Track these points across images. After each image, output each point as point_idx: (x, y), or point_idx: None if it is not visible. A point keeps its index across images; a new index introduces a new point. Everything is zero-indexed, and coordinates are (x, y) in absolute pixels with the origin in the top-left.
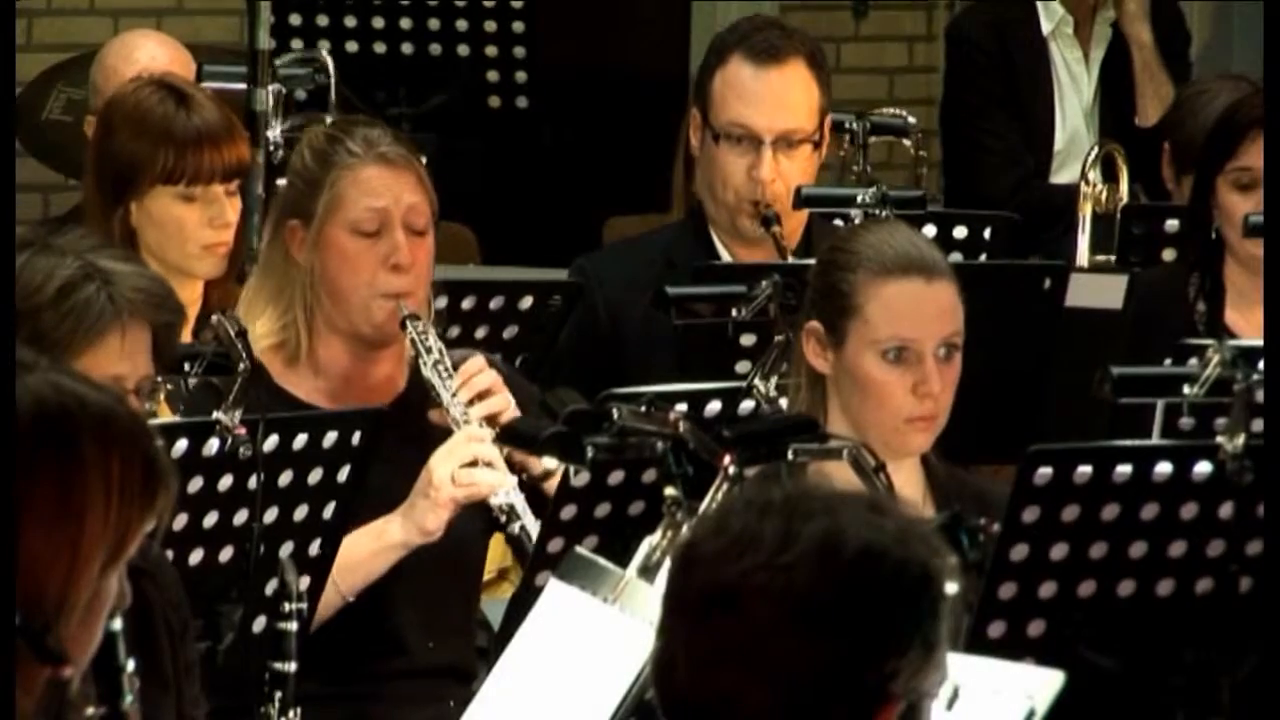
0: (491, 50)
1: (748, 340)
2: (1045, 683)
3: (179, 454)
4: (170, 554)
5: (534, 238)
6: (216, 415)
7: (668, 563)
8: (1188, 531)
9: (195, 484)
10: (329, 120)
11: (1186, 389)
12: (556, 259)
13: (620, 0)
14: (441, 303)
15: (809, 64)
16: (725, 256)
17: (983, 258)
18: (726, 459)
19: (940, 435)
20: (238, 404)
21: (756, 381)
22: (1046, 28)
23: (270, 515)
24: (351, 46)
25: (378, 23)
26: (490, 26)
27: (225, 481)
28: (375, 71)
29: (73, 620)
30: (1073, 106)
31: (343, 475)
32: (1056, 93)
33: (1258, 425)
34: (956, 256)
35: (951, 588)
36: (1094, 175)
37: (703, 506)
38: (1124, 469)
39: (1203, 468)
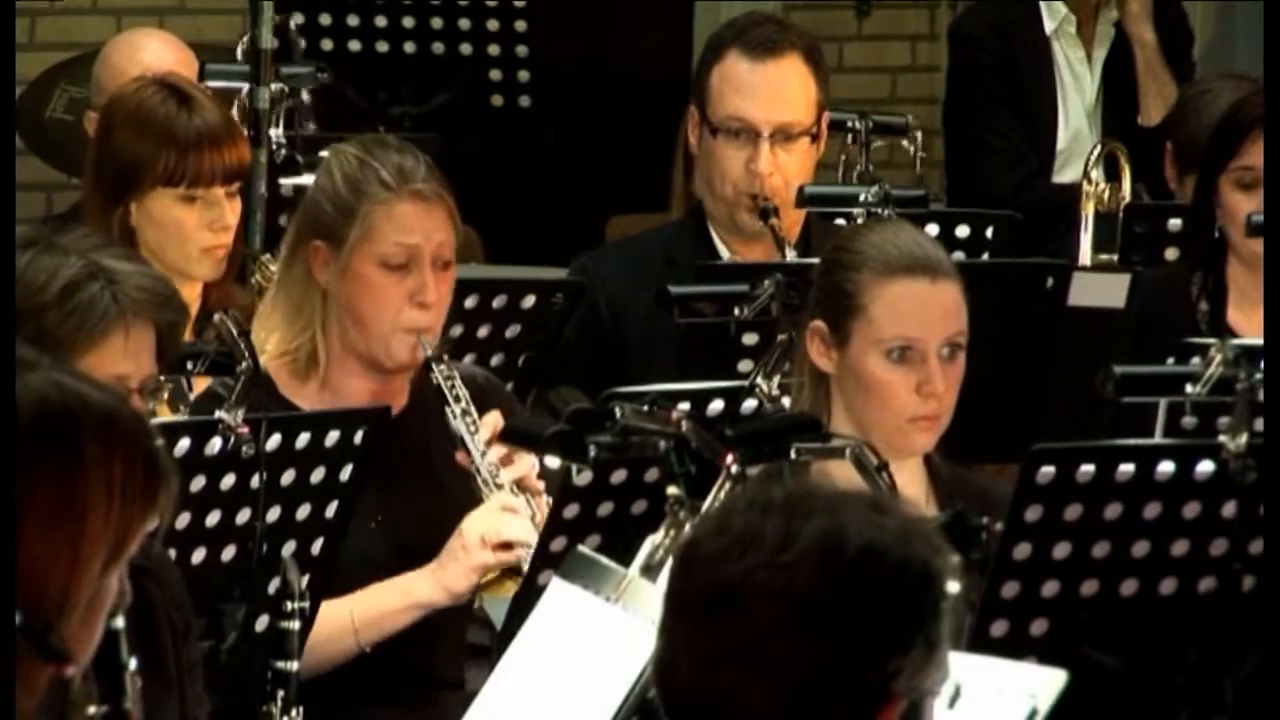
0: (494, 49)
1: (750, 339)
2: (1048, 682)
3: (182, 453)
4: (173, 553)
5: (537, 237)
6: (219, 414)
7: (670, 562)
8: (1190, 530)
9: (198, 483)
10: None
11: (1189, 388)
12: (559, 258)
13: None
14: None
15: (805, 58)
16: (724, 253)
17: (985, 257)
18: (729, 458)
19: (943, 434)
20: (240, 403)
21: (759, 380)
22: (1049, 27)
23: (273, 514)
24: (354, 45)
25: (380, 21)
26: (493, 25)
27: (228, 480)
28: (378, 70)
29: (74, 619)
30: (1075, 106)
31: (345, 474)
32: (1059, 92)
33: (1260, 424)
34: (959, 255)
35: (953, 586)
36: (1097, 174)
37: (705, 505)
38: (1127, 468)
39: (1205, 467)
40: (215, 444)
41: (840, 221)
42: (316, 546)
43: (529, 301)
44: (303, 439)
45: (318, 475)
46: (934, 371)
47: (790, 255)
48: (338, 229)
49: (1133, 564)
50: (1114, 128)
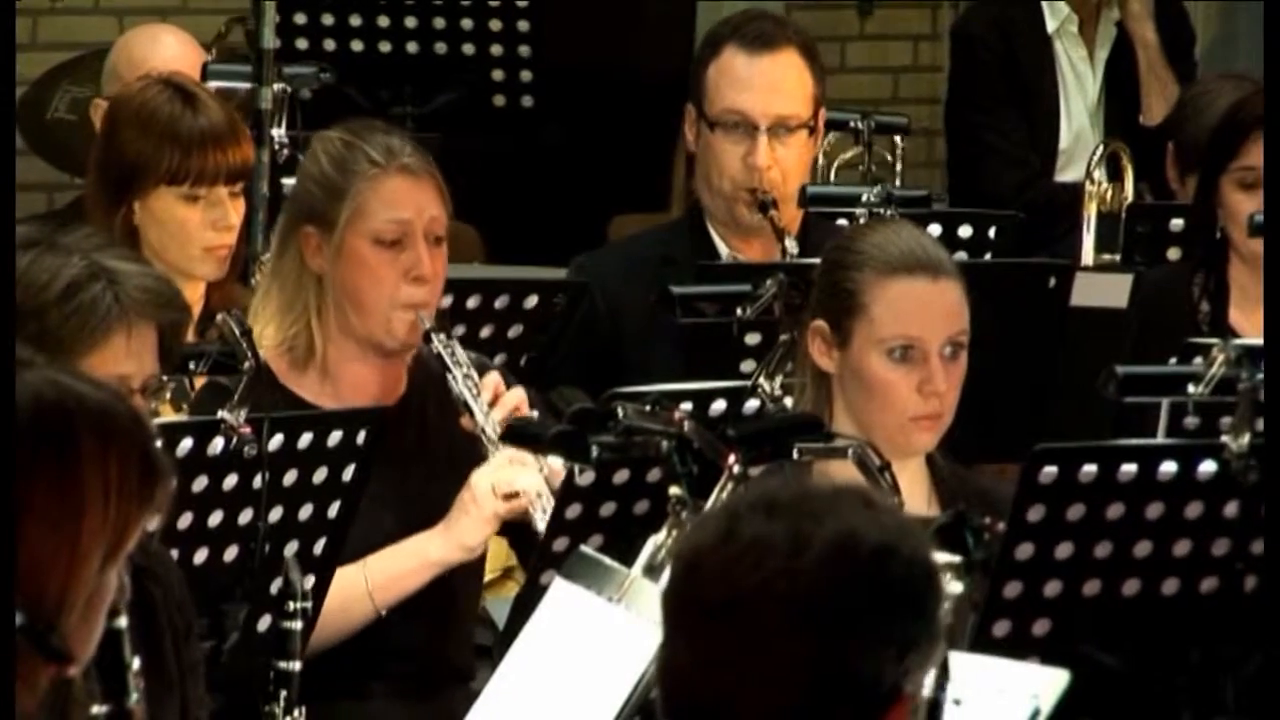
0: (497, 49)
1: (752, 339)
2: (1050, 682)
3: (184, 453)
4: (175, 553)
5: (539, 237)
6: (221, 414)
7: (670, 569)
8: (1193, 530)
9: (200, 483)
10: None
11: (1191, 388)
12: (561, 258)
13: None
14: (447, 301)
15: (802, 52)
16: (723, 251)
17: (988, 257)
18: (731, 458)
19: (945, 434)
20: (243, 403)
21: (761, 380)
22: (1051, 26)
23: (275, 514)
24: (357, 45)
25: (383, 21)
26: (496, 25)
27: (230, 480)
28: (380, 70)
29: (73, 617)
30: (1078, 105)
31: (347, 474)
32: (1061, 92)
33: (1261, 424)
34: (961, 255)
35: (954, 586)
36: (1099, 174)
37: (706, 506)
38: (1129, 468)
39: (1207, 467)
40: (218, 444)
41: (841, 221)
42: (319, 547)
43: (531, 302)
44: (305, 439)
45: (320, 475)
46: (935, 371)
47: (790, 245)
48: (328, 211)
49: (1135, 564)
50: (1116, 127)
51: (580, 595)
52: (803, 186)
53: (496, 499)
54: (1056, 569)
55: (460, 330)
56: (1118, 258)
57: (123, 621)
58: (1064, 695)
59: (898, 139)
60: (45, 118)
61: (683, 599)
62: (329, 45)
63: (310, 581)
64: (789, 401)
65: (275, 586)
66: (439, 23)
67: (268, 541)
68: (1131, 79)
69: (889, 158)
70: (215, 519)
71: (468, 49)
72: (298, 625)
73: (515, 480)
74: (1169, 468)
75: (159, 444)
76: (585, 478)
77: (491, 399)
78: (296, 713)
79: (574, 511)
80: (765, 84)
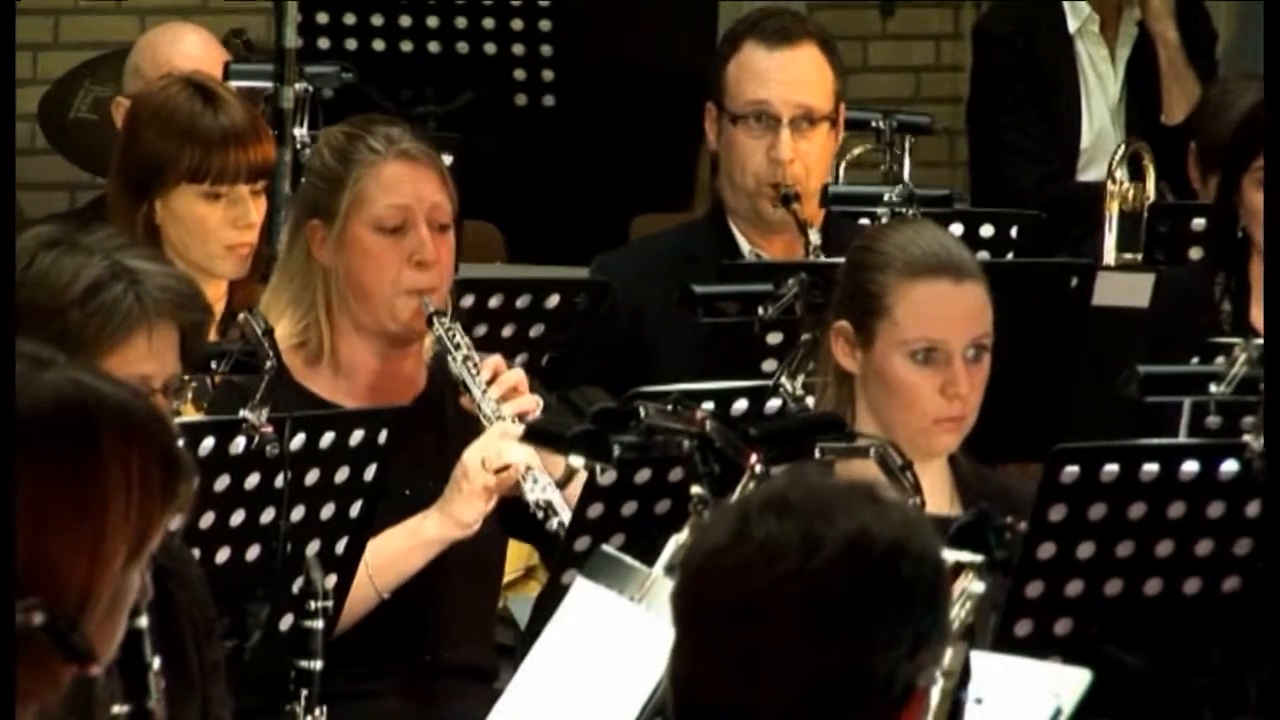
0: (518, 48)
1: (774, 339)
2: (1072, 682)
3: (205, 452)
4: (197, 552)
5: (560, 236)
6: (243, 414)
7: (681, 571)
8: (1214, 530)
9: (222, 482)
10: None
11: (1213, 387)
12: (583, 257)
13: None
14: (468, 301)
15: (821, 47)
16: (745, 247)
17: (1009, 256)
18: (753, 458)
19: (967, 434)
20: (264, 402)
21: (783, 380)
22: (1073, 26)
23: (297, 513)
24: (378, 45)
25: (404, 21)
26: (517, 25)
27: (252, 480)
28: (402, 70)
29: (96, 616)
30: (1099, 105)
31: (369, 473)
32: (1083, 91)
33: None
34: (983, 255)
35: (977, 586)
36: (1120, 173)
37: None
38: (1150, 467)
39: (1229, 466)
40: (239, 443)
41: (863, 221)
42: (340, 546)
43: (553, 301)
44: (327, 438)
45: (342, 475)
46: (958, 373)
47: (814, 238)
48: (330, 202)
49: (1157, 563)
50: (1138, 127)
51: (602, 595)
52: (824, 185)
53: (487, 473)
54: (1078, 568)
55: (482, 330)
56: (1139, 257)
57: (143, 621)
58: (1085, 695)
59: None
60: (67, 117)
61: (694, 602)
62: (351, 44)
63: (332, 581)
64: (811, 401)
65: (297, 586)
66: (461, 22)
67: (289, 541)
68: (1153, 78)
69: (897, 152)
70: (237, 518)
71: (489, 48)
72: (319, 624)
73: (504, 453)
74: (1191, 467)
75: (181, 443)
76: (607, 477)
77: (490, 378)
78: (318, 712)
79: (596, 511)
80: (786, 77)
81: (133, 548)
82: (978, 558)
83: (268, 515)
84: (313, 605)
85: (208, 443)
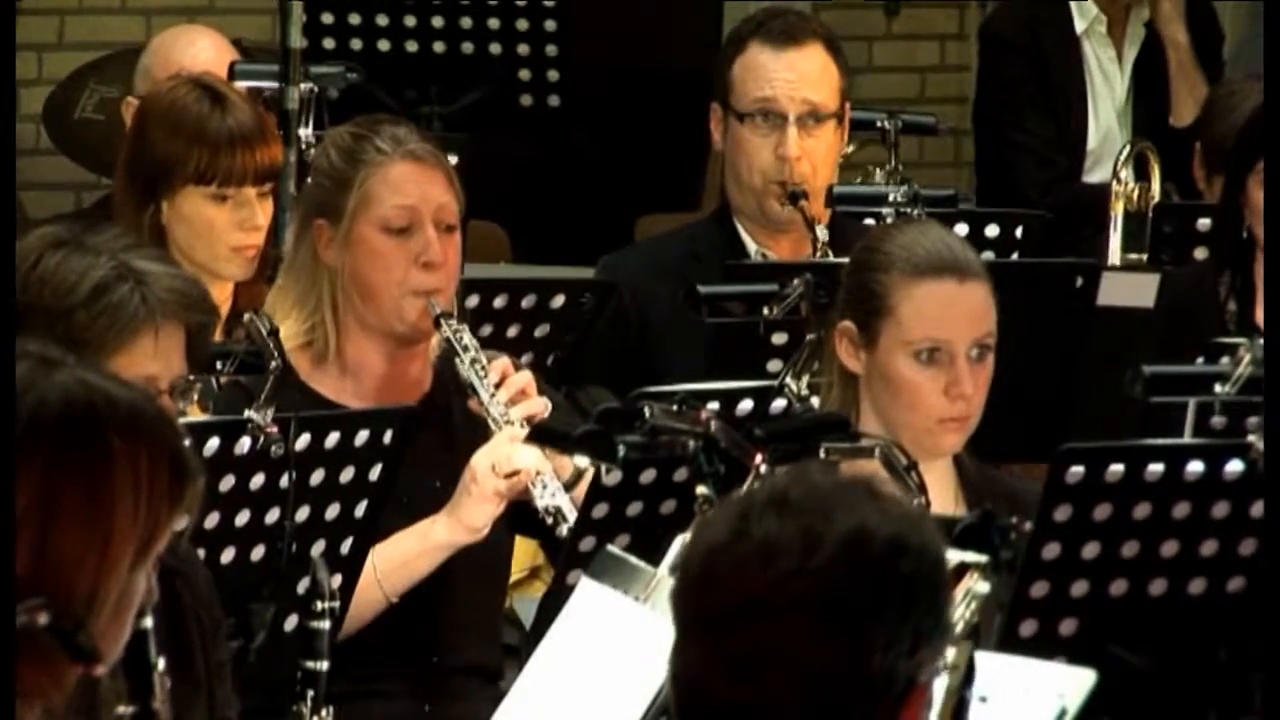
0: (524, 48)
1: (779, 339)
2: (1077, 682)
3: (211, 452)
4: (202, 552)
5: (566, 236)
6: (249, 414)
7: (682, 572)
8: (1220, 530)
9: (227, 482)
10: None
11: (1218, 387)
12: (588, 258)
13: None
14: (473, 301)
15: (826, 46)
16: (751, 247)
17: (1015, 257)
18: (758, 458)
19: (972, 434)
20: (269, 403)
21: (788, 380)
22: (1080, 27)
23: (302, 514)
24: (384, 45)
25: (410, 21)
26: (522, 25)
27: (257, 480)
28: (407, 70)
29: (103, 617)
30: (1106, 106)
31: (375, 474)
32: (1089, 92)
33: None
34: (988, 255)
35: (982, 586)
36: (1126, 174)
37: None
38: (1156, 468)
39: (1234, 466)
40: (244, 443)
41: (869, 221)
42: (346, 546)
43: (558, 301)
44: (332, 438)
45: (347, 475)
46: (962, 373)
47: (821, 234)
48: (336, 202)
49: (1162, 564)
50: (1144, 128)
51: (607, 595)
52: (829, 186)
53: (497, 477)
54: (1083, 569)
55: (487, 330)
56: (1144, 257)
57: (148, 622)
58: (1091, 695)
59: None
60: (72, 117)
61: (695, 601)
62: (356, 45)
63: (337, 581)
64: (816, 401)
65: (302, 586)
66: (466, 22)
67: (295, 541)
68: (1159, 80)
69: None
70: (242, 518)
71: (495, 48)
72: (325, 625)
73: (514, 458)
74: (1196, 467)
75: (188, 444)
76: (612, 477)
77: (498, 381)
78: (324, 712)
79: (601, 511)
80: (792, 75)
81: (140, 549)
82: (983, 558)
83: (273, 516)
84: (318, 606)
85: (213, 443)
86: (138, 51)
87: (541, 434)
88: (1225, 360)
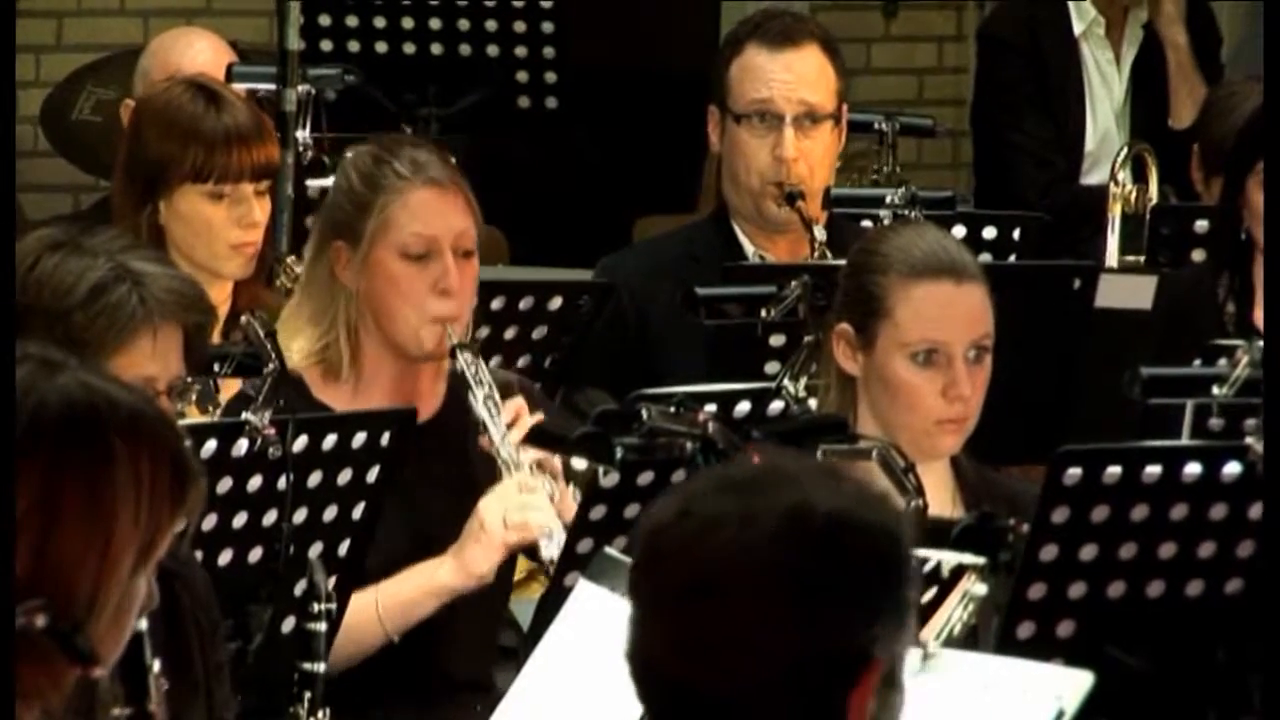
0: (521, 51)
1: (777, 341)
2: (1075, 684)
3: (209, 454)
4: (199, 554)
5: (563, 238)
6: (246, 416)
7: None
8: (1217, 532)
9: (224, 484)
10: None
11: (1216, 389)
12: (586, 259)
13: (650, 0)
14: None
15: (823, 47)
16: (748, 248)
17: (1012, 258)
18: (755, 460)
19: (970, 436)
20: (267, 405)
21: (786, 382)
22: (1078, 28)
23: (299, 516)
24: (381, 47)
25: (407, 23)
26: (520, 27)
27: (254, 482)
28: (405, 72)
29: (103, 620)
30: (1104, 108)
31: (372, 476)
32: (1088, 94)
33: None
34: (986, 257)
35: (981, 589)
36: (1123, 176)
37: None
38: (1153, 469)
39: (1232, 468)
40: (242, 445)
41: (866, 223)
42: (343, 548)
43: (555, 303)
44: (329, 440)
45: (344, 477)
46: (960, 375)
47: (819, 234)
48: (356, 225)
49: (1160, 565)
50: (1142, 129)
51: (604, 596)
52: (826, 188)
53: (506, 530)
54: (1081, 570)
55: (485, 332)
56: (1142, 259)
57: (143, 624)
58: (1089, 697)
59: (888, 134)
60: (70, 119)
61: (645, 579)
62: (353, 47)
63: (334, 583)
64: (813, 403)
65: (300, 588)
66: (463, 24)
67: (292, 543)
68: (1158, 81)
69: (875, 150)
70: (240, 520)
71: (492, 50)
72: (322, 627)
73: (528, 518)
74: (1194, 469)
75: (188, 447)
76: (609, 479)
77: (511, 421)
78: (321, 714)
79: (598, 513)
80: (790, 76)
81: (141, 552)
82: (980, 559)
83: (270, 517)
84: (315, 607)
85: (210, 445)
86: (136, 53)
87: (540, 437)
88: (1223, 362)
